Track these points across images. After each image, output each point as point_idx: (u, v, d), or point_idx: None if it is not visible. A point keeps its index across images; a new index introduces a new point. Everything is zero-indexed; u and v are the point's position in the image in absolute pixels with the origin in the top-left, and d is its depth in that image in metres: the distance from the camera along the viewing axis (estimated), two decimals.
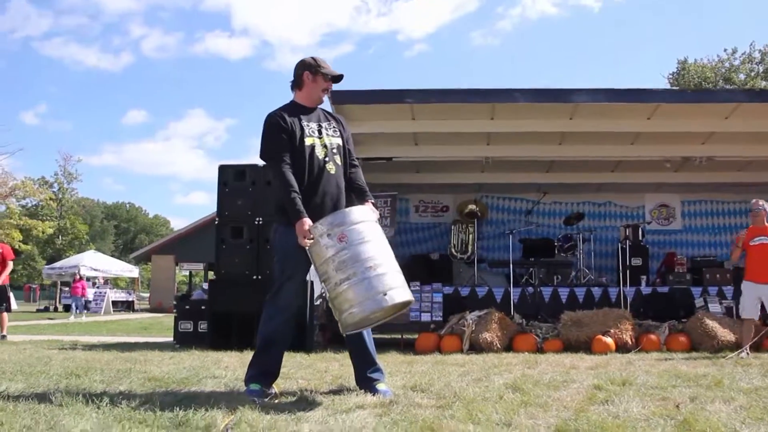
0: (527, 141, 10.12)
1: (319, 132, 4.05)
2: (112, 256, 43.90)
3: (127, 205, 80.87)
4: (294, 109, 4.12)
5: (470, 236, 11.65)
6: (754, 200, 7.39)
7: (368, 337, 4.02)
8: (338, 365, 5.49)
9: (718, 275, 9.37)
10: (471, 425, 2.91)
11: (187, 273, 37.25)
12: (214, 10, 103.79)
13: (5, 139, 53.57)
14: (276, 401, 3.60)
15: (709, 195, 11.90)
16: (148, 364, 5.31)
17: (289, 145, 3.94)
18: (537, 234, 11.58)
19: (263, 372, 3.93)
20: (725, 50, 31.37)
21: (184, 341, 8.56)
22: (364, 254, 3.56)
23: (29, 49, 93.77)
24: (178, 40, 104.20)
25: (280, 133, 3.95)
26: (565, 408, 3.38)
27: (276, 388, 3.99)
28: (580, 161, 10.69)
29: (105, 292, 26.28)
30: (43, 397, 3.43)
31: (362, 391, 3.86)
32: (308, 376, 4.74)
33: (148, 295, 35.37)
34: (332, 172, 4.01)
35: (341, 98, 8.77)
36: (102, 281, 28.82)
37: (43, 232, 31.26)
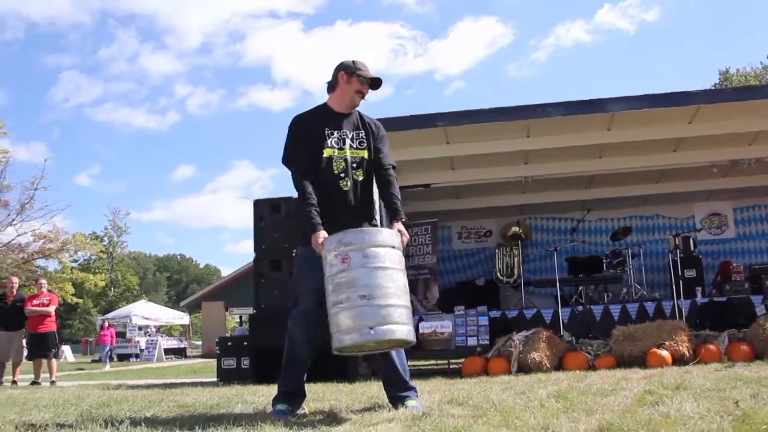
0: (566, 157, 9.85)
1: (342, 142, 3.83)
2: (165, 306, 44.59)
3: (179, 257, 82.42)
4: (321, 113, 3.93)
5: (515, 259, 11.40)
6: None
7: (398, 358, 3.77)
8: (377, 388, 5.27)
9: None
10: (505, 430, 2.69)
11: (238, 318, 37.53)
12: (255, 64, 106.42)
13: (55, 198, 55.43)
14: (304, 420, 3.42)
15: (763, 199, 11.34)
16: (183, 395, 5.21)
17: (308, 151, 3.78)
18: (583, 251, 11.23)
19: (289, 391, 3.76)
20: None
21: (227, 378, 8.47)
22: (362, 281, 3.30)
23: (82, 116, 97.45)
24: (221, 96, 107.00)
25: (299, 138, 3.81)
26: (611, 411, 3.12)
27: (306, 408, 3.82)
28: (623, 173, 10.34)
29: (157, 340, 26.59)
30: (64, 423, 3.33)
31: (394, 408, 3.66)
32: (342, 398, 4.56)
33: (200, 342, 35.68)
34: (346, 188, 3.78)
35: None
36: (154, 330, 29.17)
37: (95, 285, 31.94)
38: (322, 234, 3.56)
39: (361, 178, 3.85)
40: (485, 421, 2.94)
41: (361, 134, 3.91)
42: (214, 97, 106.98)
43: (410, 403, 3.65)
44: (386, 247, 3.43)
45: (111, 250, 47.47)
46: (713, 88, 30.61)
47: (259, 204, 8.79)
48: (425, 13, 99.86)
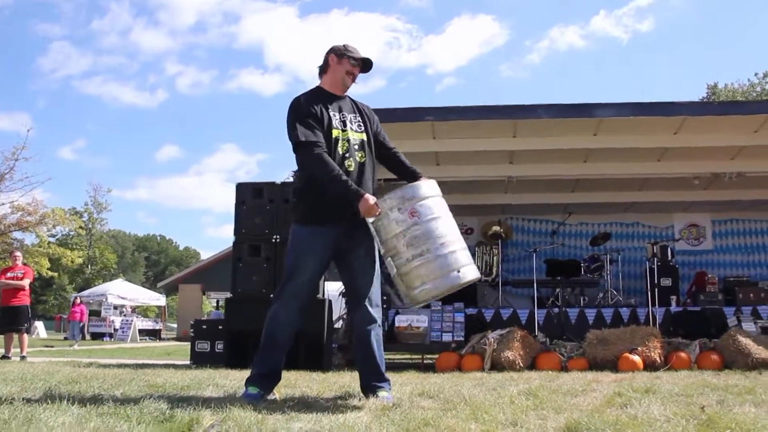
0: (551, 159, 9.89)
1: (344, 125, 3.85)
2: (142, 286, 44.30)
3: (158, 238, 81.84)
4: (319, 94, 3.91)
5: (494, 258, 11.41)
6: None
7: (377, 349, 3.81)
8: (350, 378, 5.29)
9: (752, 294, 9.02)
10: (473, 423, 2.71)
11: (215, 302, 37.48)
12: (248, 48, 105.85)
13: (35, 170, 54.51)
14: (273, 405, 3.41)
15: (741, 214, 11.52)
16: (154, 376, 5.18)
17: (320, 130, 3.75)
18: (562, 255, 11.31)
19: (263, 374, 3.75)
20: (756, 74, 31.00)
21: (200, 361, 8.40)
22: (436, 231, 3.52)
23: (69, 88, 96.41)
24: (212, 77, 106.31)
25: (308, 117, 3.75)
26: (579, 411, 3.15)
27: (277, 393, 3.81)
28: (606, 180, 10.41)
29: (132, 320, 26.41)
30: (31, 398, 3.30)
31: (366, 397, 3.67)
32: (314, 386, 4.55)
33: (176, 325, 35.50)
34: (351, 169, 3.80)
35: None
36: (129, 310, 28.95)
37: (72, 261, 31.62)
38: (371, 197, 3.59)
39: (362, 160, 3.89)
40: (454, 414, 2.96)
41: (358, 117, 3.96)
42: (205, 78, 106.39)
43: (382, 393, 3.67)
44: (437, 197, 3.70)
45: (90, 226, 47.02)
46: (701, 100, 30.92)
47: (241, 187, 8.72)
48: (422, 7, 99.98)
